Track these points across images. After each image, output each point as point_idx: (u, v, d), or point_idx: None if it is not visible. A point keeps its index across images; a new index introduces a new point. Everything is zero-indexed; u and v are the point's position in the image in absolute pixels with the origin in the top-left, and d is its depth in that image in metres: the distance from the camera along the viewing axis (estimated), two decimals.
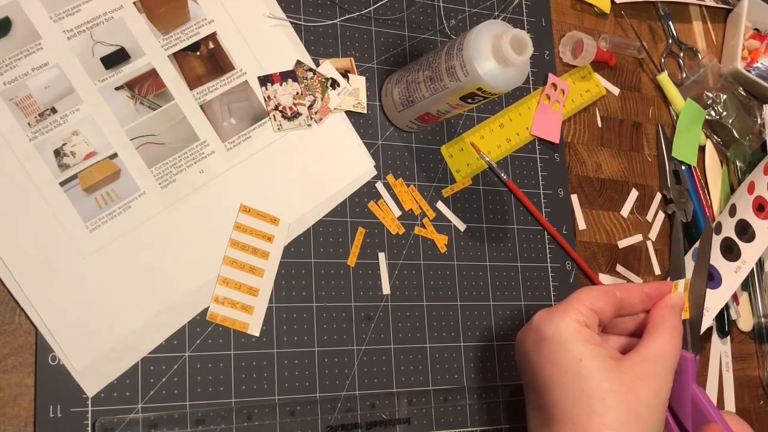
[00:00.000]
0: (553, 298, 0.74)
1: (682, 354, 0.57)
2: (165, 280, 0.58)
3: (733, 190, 0.87)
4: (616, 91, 0.83)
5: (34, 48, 0.58)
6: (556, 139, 0.77)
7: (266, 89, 0.64)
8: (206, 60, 0.63)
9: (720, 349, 0.83)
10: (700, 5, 0.92)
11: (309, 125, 0.65)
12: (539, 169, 0.76)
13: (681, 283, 0.60)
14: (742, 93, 0.89)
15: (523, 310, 0.72)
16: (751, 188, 0.82)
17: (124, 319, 0.57)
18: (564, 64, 0.81)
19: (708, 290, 0.78)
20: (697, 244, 0.81)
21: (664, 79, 0.86)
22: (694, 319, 0.59)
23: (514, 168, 0.75)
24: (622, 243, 0.79)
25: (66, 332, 0.55)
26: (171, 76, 0.62)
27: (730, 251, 0.79)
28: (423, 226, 0.69)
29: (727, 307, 0.83)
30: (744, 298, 0.85)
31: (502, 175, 0.73)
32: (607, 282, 0.77)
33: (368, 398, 0.63)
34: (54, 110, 0.58)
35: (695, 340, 0.59)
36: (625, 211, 0.80)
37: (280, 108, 0.65)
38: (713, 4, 0.93)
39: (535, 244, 0.74)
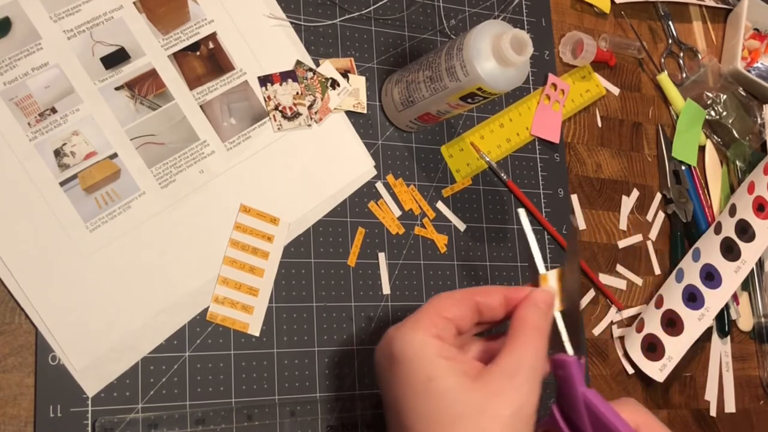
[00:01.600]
0: None
1: (562, 359, 0.52)
2: (165, 280, 0.58)
3: (733, 190, 0.87)
4: (616, 91, 0.83)
5: (34, 48, 0.58)
6: (556, 139, 0.77)
7: (266, 89, 0.64)
8: (206, 60, 0.63)
9: (720, 349, 0.83)
10: (700, 5, 0.93)
11: (309, 125, 0.65)
12: (539, 169, 0.76)
13: (551, 275, 0.54)
14: (742, 93, 0.89)
15: None
16: (751, 188, 0.82)
17: (124, 319, 0.57)
18: (564, 64, 0.81)
19: (708, 290, 0.78)
20: (697, 244, 0.81)
21: (664, 79, 0.86)
22: (571, 317, 0.53)
23: (514, 168, 0.75)
24: (622, 243, 0.79)
25: (66, 332, 0.55)
26: (171, 76, 0.62)
27: (730, 251, 0.79)
28: (423, 226, 0.69)
29: (727, 307, 0.83)
30: (744, 298, 0.85)
31: (502, 175, 0.73)
32: (608, 282, 0.77)
33: (368, 398, 0.63)
34: (54, 110, 0.58)
35: (577, 341, 0.53)
36: (625, 210, 0.80)
37: (280, 108, 0.65)
38: (713, 4, 0.93)
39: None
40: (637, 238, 0.80)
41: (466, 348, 0.54)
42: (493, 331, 0.56)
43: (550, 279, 0.54)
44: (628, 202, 0.81)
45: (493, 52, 0.59)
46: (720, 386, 0.82)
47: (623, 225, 0.80)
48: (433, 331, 0.50)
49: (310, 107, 0.65)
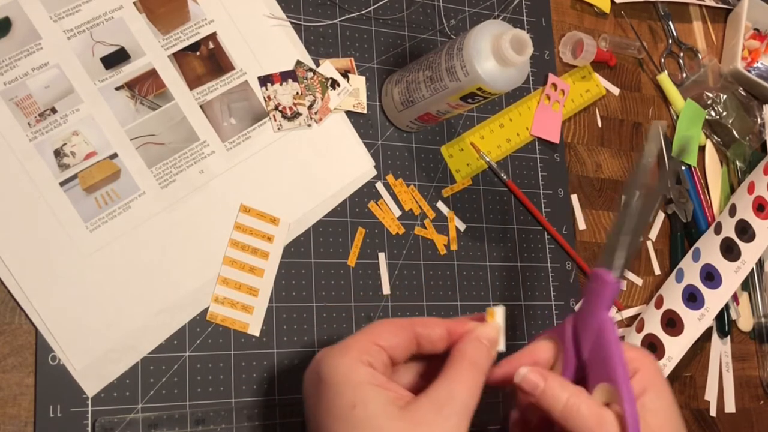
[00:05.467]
0: (553, 298, 0.74)
1: (602, 275, 0.49)
2: (165, 280, 0.58)
3: (733, 190, 0.87)
4: (616, 91, 0.83)
5: (34, 48, 0.58)
6: (556, 139, 0.77)
7: (266, 89, 0.64)
8: (206, 60, 0.63)
9: (720, 349, 0.83)
10: (700, 5, 0.92)
11: (309, 125, 0.65)
12: (539, 169, 0.76)
13: (499, 311, 0.52)
14: (742, 93, 0.89)
15: (523, 310, 0.72)
16: (751, 188, 0.82)
17: (124, 318, 0.57)
18: (564, 64, 0.81)
19: (708, 290, 0.78)
20: (697, 244, 0.81)
21: (664, 79, 0.86)
22: (633, 241, 0.50)
23: (514, 168, 0.75)
24: None
25: (66, 332, 0.55)
26: (171, 76, 0.62)
27: (730, 251, 0.79)
28: (423, 226, 0.69)
29: (727, 307, 0.83)
30: (744, 298, 0.85)
31: (502, 175, 0.73)
32: None
33: None
34: (54, 110, 0.58)
35: (624, 261, 0.50)
36: None
37: (280, 108, 0.65)
38: (713, 4, 0.93)
39: (535, 244, 0.74)
40: None
41: (398, 377, 0.52)
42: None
43: (498, 315, 0.52)
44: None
45: (493, 52, 0.59)
46: (720, 386, 0.82)
47: None
48: (363, 358, 0.48)
49: (310, 107, 0.65)
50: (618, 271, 0.50)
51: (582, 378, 0.50)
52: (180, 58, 0.62)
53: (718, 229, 0.81)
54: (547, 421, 0.50)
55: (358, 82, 0.68)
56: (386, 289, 0.66)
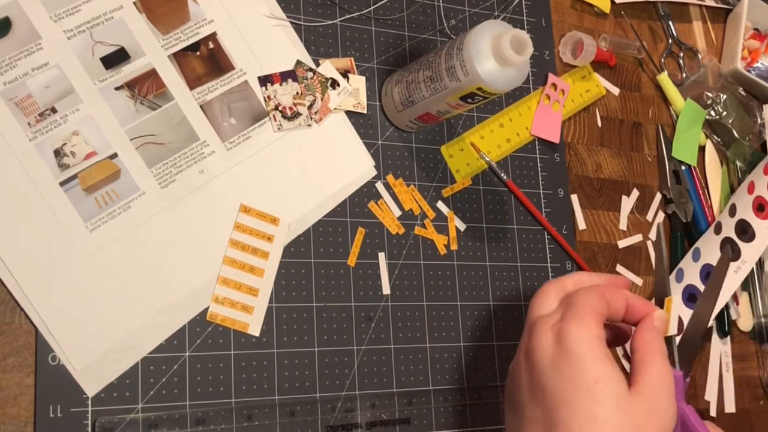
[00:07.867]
0: None
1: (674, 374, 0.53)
2: (165, 280, 0.58)
3: (733, 190, 0.87)
4: (616, 91, 0.83)
5: (34, 48, 0.58)
6: (556, 139, 0.77)
7: (266, 89, 0.64)
8: (206, 60, 0.63)
9: (720, 349, 0.83)
10: (700, 5, 0.92)
11: (309, 125, 0.65)
12: (539, 169, 0.76)
13: (677, 300, 0.56)
14: (742, 93, 0.89)
15: (523, 310, 0.72)
16: (751, 188, 0.82)
17: (124, 318, 0.57)
18: (564, 64, 0.81)
19: None
20: (697, 244, 0.81)
21: (664, 79, 0.86)
22: (690, 339, 0.56)
23: (514, 168, 0.75)
24: (622, 243, 0.79)
25: (66, 332, 0.55)
26: (171, 76, 0.62)
27: (731, 251, 0.79)
28: (423, 226, 0.69)
29: (727, 307, 0.83)
30: (744, 298, 0.85)
31: (502, 175, 0.73)
32: None
33: (368, 398, 0.63)
34: (54, 110, 0.58)
35: (687, 360, 0.55)
36: (625, 210, 0.80)
37: (280, 108, 0.65)
38: (713, 4, 0.93)
39: (535, 244, 0.74)
40: (637, 238, 0.80)
41: None
42: None
43: (674, 304, 0.55)
44: (628, 202, 0.81)
45: (493, 52, 0.59)
46: (720, 386, 0.82)
47: (623, 225, 0.80)
48: (600, 332, 0.51)
49: (310, 107, 0.65)
50: (680, 366, 0.55)
51: None
52: (180, 58, 0.62)
53: (718, 229, 0.81)
54: None
55: (358, 82, 0.68)
56: (386, 289, 0.66)
